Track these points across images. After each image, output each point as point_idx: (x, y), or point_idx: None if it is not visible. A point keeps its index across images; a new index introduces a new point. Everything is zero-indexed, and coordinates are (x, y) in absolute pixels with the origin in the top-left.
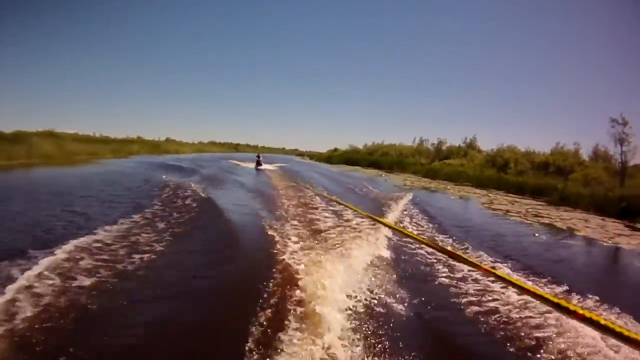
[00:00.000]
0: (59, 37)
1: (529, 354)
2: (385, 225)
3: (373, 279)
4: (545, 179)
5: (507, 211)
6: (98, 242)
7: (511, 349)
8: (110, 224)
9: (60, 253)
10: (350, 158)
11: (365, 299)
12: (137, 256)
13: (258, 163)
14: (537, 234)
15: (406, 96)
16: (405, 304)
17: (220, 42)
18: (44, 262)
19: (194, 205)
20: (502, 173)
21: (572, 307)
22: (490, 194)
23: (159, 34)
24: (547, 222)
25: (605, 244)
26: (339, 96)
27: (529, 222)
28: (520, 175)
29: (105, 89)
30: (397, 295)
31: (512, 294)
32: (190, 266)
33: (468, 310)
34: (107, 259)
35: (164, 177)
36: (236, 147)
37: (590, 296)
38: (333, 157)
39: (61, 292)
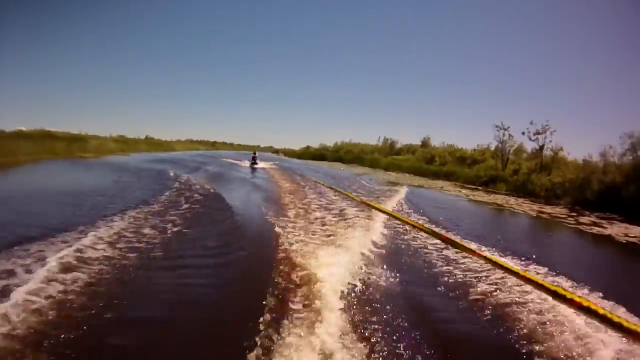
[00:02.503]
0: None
1: (524, 340)
2: (379, 210)
3: (366, 260)
4: (459, 168)
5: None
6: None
7: (508, 336)
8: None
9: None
10: (320, 155)
11: (360, 281)
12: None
13: (254, 161)
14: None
15: (378, 97)
16: (395, 284)
17: (197, 42)
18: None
19: (201, 194)
20: (429, 165)
21: (569, 295)
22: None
23: (136, 34)
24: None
25: (418, 188)
26: (315, 95)
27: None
28: (443, 165)
29: (85, 87)
30: (389, 276)
31: (507, 280)
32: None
33: (460, 294)
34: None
35: (171, 173)
36: (213, 145)
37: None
38: (305, 154)
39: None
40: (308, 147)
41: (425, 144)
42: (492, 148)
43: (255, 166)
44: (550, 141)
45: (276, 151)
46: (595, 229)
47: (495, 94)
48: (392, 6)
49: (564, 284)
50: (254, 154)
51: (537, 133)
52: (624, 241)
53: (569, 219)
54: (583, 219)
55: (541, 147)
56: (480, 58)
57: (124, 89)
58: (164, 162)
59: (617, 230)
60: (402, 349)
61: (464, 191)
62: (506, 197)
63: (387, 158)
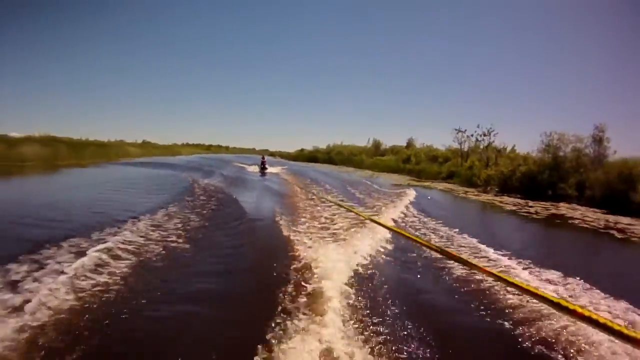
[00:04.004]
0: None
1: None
2: (386, 227)
3: (374, 261)
4: (428, 166)
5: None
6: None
7: (513, 347)
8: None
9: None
10: (313, 157)
11: (367, 280)
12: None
13: (263, 167)
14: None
15: (372, 99)
16: (403, 285)
17: (192, 44)
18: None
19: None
20: (405, 164)
21: (571, 307)
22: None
23: (131, 35)
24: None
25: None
26: (309, 97)
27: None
28: (417, 164)
29: (82, 93)
30: (396, 278)
31: (511, 293)
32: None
33: (465, 296)
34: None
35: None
36: (208, 148)
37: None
38: (299, 157)
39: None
40: (302, 150)
41: (409, 145)
42: (465, 148)
43: (266, 171)
44: (493, 141)
45: (272, 154)
46: (473, 197)
47: (482, 94)
48: (393, 8)
49: (426, 219)
50: (263, 158)
51: (484, 135)
52: (482, 201)
53: (464, 193)
54: (471, 194)
55: (486, 147)
56: (474, 57)
57: (120, 92)
58: (178, 167)
59: (493, 198)
60: (405, 348)
61: (415, 182)
62: (447, 185)
63: (372, 159)
